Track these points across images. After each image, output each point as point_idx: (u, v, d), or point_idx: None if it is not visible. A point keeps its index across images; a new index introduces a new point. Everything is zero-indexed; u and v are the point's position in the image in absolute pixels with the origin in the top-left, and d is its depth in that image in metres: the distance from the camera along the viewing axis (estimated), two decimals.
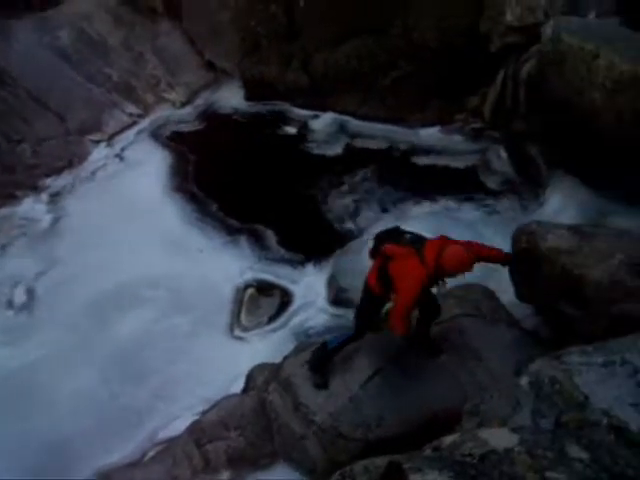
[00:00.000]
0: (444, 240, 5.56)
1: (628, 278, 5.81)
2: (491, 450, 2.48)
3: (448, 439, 2.75)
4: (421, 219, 8.40)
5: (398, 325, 5.63)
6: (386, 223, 8.77)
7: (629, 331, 4.24)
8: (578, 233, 6.28)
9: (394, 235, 5.76)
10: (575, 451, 2.53)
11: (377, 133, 10.33)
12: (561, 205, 8.34)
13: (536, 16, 9.14)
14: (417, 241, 5.62)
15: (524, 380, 3.17)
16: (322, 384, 6.24)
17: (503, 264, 6.13)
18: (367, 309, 6.07)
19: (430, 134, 10.07)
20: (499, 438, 2.53)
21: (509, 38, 9.33)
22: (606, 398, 3.08)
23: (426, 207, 8.99)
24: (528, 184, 9.00)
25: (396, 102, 10.41)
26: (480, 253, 5.75)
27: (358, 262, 8.41)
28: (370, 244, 5.96)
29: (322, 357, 6.31)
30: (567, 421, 3.00)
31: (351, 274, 8.36)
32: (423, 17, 9.93)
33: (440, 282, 5.67)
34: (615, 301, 5.72)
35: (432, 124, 10.18)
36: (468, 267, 5.43)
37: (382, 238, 5.80)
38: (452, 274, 5.49)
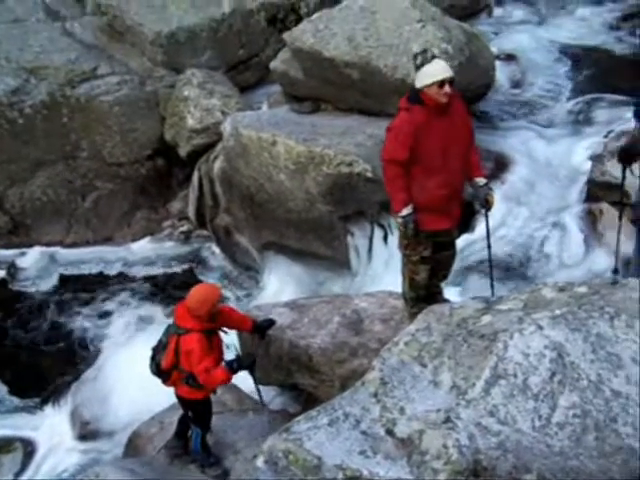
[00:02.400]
0: None
1: (349, 337, 6.21)
2: None
3: None
4: (148, 332, 8.36)
5: (217, 379, 5.50)
6: (116, 345, 8.73)
7: None
8: (296, 307, 6.62)
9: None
10: None
11: (89, 257, 10.14)
12: (280, 285, 8.72)
13: (214, 116, 9.64)
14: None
15: (260, 460, 3.26)
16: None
17: (252, 331, 6.23)
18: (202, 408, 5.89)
19: (141, 246, 10.08)
20: None
21: (195, 141, 9.72)
22: (337, 454, 3.25)
23: (150, 320, 8.96)
24: (246, 272, 9.35)
25: (101, 223, 10.36)
26: (230, 312, 5.90)
27: (97, 390, 8.19)
28: None
29: (201, 458, 6.08)
30: None
31: (93, 404, 8.09)
32: (109, 135, 10.06)
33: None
34: (342, 361, 6.07)
35: (142, 236, 10.20)
36: (213, 299, 5.40)
37: None
38: (209, 313, 5.38)
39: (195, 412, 5.95)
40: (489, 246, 6.18)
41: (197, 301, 5.41)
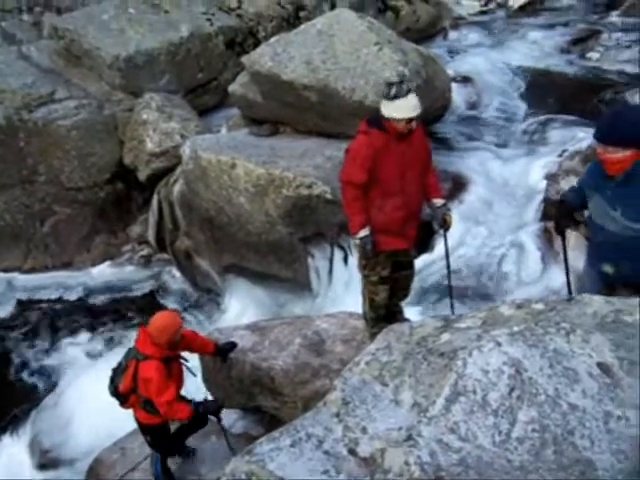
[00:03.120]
0: None
1: (311, 358, 6.22)
2: None
3: None
4: (108, 357, 8.27)
5: (179, 414, 5.51)
6: (76, 371, 8.62)
7: None
8: (257, 329, 6.61)
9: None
10: None
11: (48, 283, 10.05)
12: (241, 308, 8.72)
13: (173, 139, 9.65)
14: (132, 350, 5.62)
15: None
16: None
17: (214, 354, 6.25)
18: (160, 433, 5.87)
19: (101, 271, 10.02)
20: None
21: (154, 164, 9.71)
22: (300, 474, 3.25)
23: (110, 345, 8.88)
24: (207, 295, 9.32)
25: (60, 248, 10.30)
26: (193, 336, 5.90)
27: (57, 417, 8.09)
28: None
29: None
30: None
31: (53, 432, 7.98)
32: (67, 159, 9.99)
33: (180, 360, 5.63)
34: (305, 383, 6.07)
35: (101, 261, 10.16)
36: (173, 328, 5.39)
37: None
38: (169, 341, 5.38)
39: (152, 437, 5.94)
40: (448, 266, 6.24)
41: (157, 329, 5.41)
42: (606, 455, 3.19)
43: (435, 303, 7.72)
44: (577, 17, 13.03)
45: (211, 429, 6.70)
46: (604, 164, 4.67)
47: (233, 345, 6.31)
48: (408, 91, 5.22)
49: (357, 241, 5.58)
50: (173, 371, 5.55)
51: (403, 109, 5.19)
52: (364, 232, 5.49)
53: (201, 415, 5.71)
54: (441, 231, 6.09)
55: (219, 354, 6.26)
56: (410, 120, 5.24)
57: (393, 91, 5.18)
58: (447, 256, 6.19)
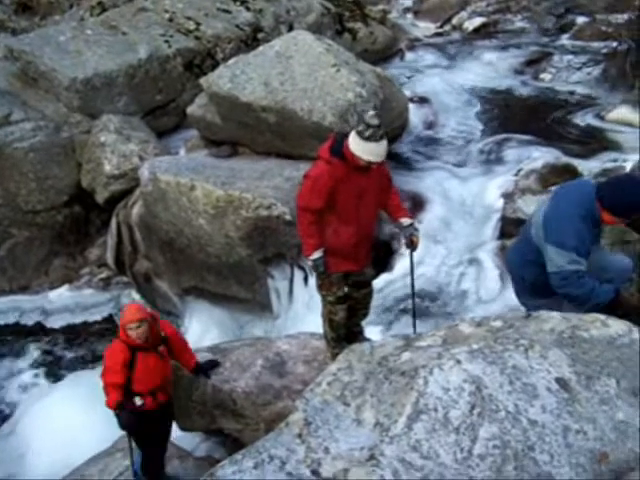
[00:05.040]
0: None
1: (272, 380, 6.20)
2: None
3: None
4: (66, 383, 8.17)
5: (107, 399, 5.48)
6: (33, 397, 8.48)
7: None
8: (218, 351, 6.58)
9: None
10: None
11: (5, 307, 9.88)
12: (202, 330, 8.66)
13: (132, 161, 9.56)
14: None
15: None
16: None
17: (193, 371, 6.16)
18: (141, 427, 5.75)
19: (60, 295, 9.87)
20: None
21: (113, 186, 9.60)
22: None
23: (68, 369, 8.77)
24: (167, 318, 9.14)
25: (18, 271, 10.13)
26: (178, 340, 5.90)
27: (13, 446, 7.94)
28: None
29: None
30: None
31: (9, 461, 7.82)
32: (24, 182, 9.87)
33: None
34: (267, 404, 6.06)
35: (60, 284, 10.00)
36: (140, 315, 5.40)
37: None
38: (131, 331, 5.37)
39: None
40: (413, 285, 6.30)
41: (124, 312, 5.52)
42: (565, 469, 3.25)
43: (395, 322, 7.75)
44: (529, 40, 13.27)
45: (173, 453, 6.66)
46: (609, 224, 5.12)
47: (215, 363, 6.27)
48: (382, 137, 5.22)
49: (310, 263, 5.67)
50: (145, 363, 5.51)
51: (372, 154, 5.23)
52: (317, 254, 5.57)
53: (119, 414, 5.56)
54: (407, 251, 6.15)
55: (200, 372, 6.19)
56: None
57: (368, 133, 5.17)
58: (412, 276, 6.25)
